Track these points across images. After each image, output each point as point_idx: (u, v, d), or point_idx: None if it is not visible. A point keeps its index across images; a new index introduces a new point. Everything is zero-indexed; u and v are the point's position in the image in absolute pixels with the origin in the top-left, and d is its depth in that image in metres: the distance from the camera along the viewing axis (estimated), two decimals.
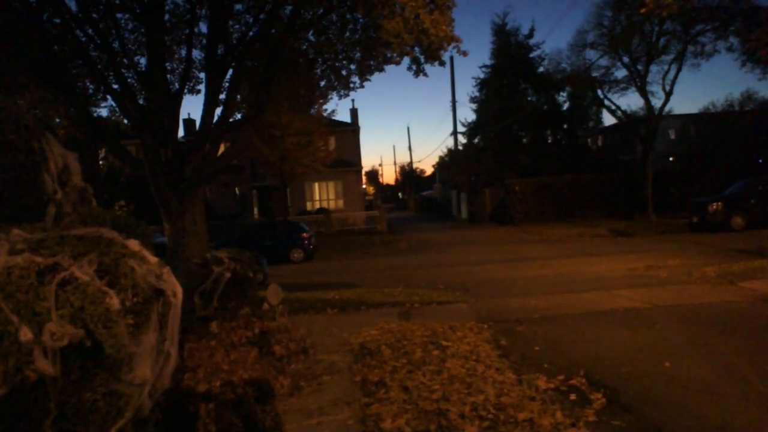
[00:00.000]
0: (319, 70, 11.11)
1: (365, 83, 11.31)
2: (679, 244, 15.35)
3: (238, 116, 12.70)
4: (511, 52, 31.73)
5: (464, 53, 9.60)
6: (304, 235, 18.64)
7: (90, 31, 9.22)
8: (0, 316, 2.26)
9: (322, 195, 33.88)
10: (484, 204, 30.29)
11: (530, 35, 32.13)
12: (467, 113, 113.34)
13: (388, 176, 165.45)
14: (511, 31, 32.35)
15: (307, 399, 4.65)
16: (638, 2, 16.72)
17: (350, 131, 35.10)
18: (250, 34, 9.97)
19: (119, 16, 9.84)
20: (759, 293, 7.90)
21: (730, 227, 17.44)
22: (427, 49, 8.98)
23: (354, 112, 36.01)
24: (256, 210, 34.05)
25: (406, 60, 9.71)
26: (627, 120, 26.62)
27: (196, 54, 10.94)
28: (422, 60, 9.63)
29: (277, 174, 26.24)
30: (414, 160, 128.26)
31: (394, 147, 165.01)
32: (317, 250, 19.33)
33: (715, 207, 17.89)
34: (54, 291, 2.42)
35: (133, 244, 2.97)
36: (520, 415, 3.95)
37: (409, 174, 73.64)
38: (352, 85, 11.42)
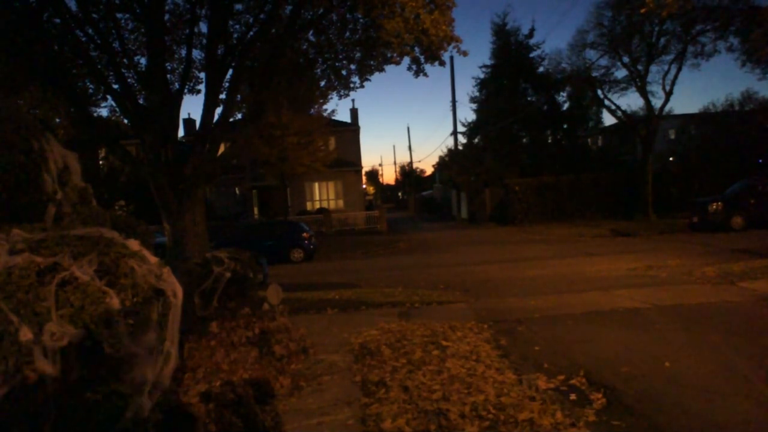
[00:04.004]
0: (319, 70, 11.10)
1: (365, 83, 11.30)
2: (679, 244, 15.35)
3: (238, 116, 12.69)
4: (511, 52, 31.72)
5: (464, 53, 9.62)
6: (304, 235, 18.64)
7: (90, 31, 9.21)
8: (0, 316, 2.26)
9: (322, 195, 33.87)
10: (484, 204, 30.28)
11: (530, 35, 32.14)
12: (467, 113, 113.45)
13: (388, 176, 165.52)
14: (511, 31, 32.35)
15: (307, 399, 4.65)
16: (638, 2, 16.72)
17: (350, 131, 35.09)
18: (250, 34, 9.96)
19: (119, 16, 9.83)
20: (759, 293, 7.90)
21: (730, 227, 17.44)
22: (427, 49, 8.98)
23: (354, 112, 36.01)
24: (256, 210, 34.05)
25: (406, 60, 9.71)
26: (627, 120, 26.62)
27: (196, 54, 10.93)
28: (422, 60, 9.63)
29: (277, 174, 26.24)
30: (414, 160, 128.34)
31: (394, 147, 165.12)
32: (317, 250, 19.32)
33: (715, 207, 17.89)
34: (54, 291, 2.42)
35: (133, 244, 2.97)
36: (520, 415, 3.95)
37: (409, 174, 73.61)
38: (352, 85, 11.41)
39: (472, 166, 31.32)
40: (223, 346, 5.59)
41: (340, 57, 10.79)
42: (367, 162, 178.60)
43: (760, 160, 25.04)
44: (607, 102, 26.47)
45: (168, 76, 10.19)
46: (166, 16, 9.91)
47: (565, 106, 32.14)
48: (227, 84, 9.91)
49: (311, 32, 10.48)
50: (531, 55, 32.04)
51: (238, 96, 10.81)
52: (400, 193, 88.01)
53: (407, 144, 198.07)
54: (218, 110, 9.85)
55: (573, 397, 4.37)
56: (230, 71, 9.89)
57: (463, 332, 6.46)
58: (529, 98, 31.88)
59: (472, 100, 34.36)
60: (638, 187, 24.25)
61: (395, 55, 9.58)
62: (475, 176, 30.99)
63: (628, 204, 25.00)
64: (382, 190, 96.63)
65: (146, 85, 9.58)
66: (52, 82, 8.78)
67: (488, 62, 33.46)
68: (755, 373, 4.66)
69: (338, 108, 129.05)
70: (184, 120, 34.46)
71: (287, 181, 27.44)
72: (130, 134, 16.27)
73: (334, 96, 12.03)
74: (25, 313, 2.31)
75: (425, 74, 10.13)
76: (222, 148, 11.83)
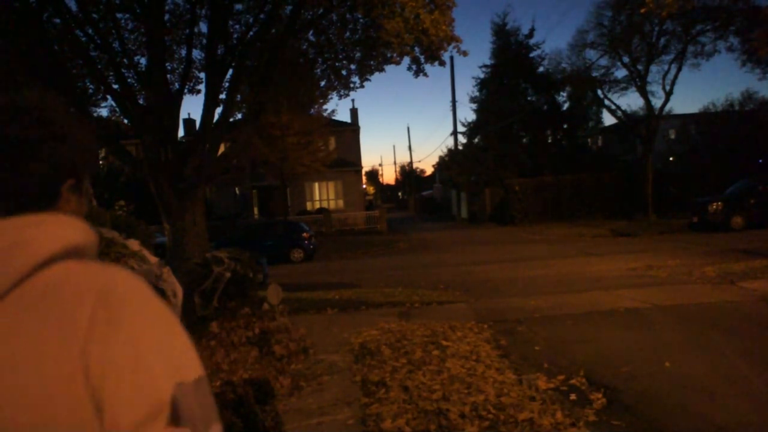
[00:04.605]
0: (319, 70, 11.11)
1: (365, 83, 11.31)
2: (679, 244, 15.35)
3: (238, 116, 12.70)
4: (511, 52, 31.71)
5: (464, 53, 9.63)
6: (304, 235, 18.63)
7: (90, 31, 9.21)
8: None
9: (322, 195, 33.86)
10: (484, 204, 30.28)
11: (530, 35, 32.13)
12: (467, 113, 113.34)
13: (388, 176, 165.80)
14: (511, 31, 32.34)
15: (307, 399, 4.65)
16: (638, 2, 16.72)
17: (350, 131, 35.09)
18: (250, 34, 9.97)
19: (119, 16, 9.83)
20: (759, 293, 7.90)
21: (730, 227, 17.43)
22: (427, 49, 8.98)
23: (354, 112, 36.01)
24: (256, 210, 34.04)
25: (406, 60, 9.72)
26: (627, 120, 26.62)
27: (196, 54, 10.94)
28: (422, 60, 9.64)
29: (277, 174, 26.24)
30: (414, 160, 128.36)
31: (394, 147, 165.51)
32: (317, 250, 19.32)
33: (715, 207, 17.88)
34: None
35: (133, 244, 2.97)
36: (520, 415, 3.95)
37: (409, 174, 73.61)
38: (352, 85, 11.42)
39: (472, 166, 31.31)
40: (223, 346, 5.59)
41: (340, 57, 10.79)
42: (367, 162, 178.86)
43: (760, 160, 25.05)
44: (607, 102, 26.49)
45: (168, 76, 10.19)
46: (166, 16, 9.91)
47: (565, 106, 32.14)
48: (227, 84, 9.91)
49: (311, 32, 10.49)
50: (531, 55, 32.03)
51: (238, 96, 10.82)
52: (400, 193, 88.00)
53: (407, 144, 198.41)
54: (218, 110, 9.85)
55: (573, 397, 4.37)
56: (230, 71, 9.89)
57: (463, 332, 6.46)
58: (529, 98, 31.86)
59: (472, 100, 34.35)
60: (638, 187, 24.24)
61: (395, 55, 9.58)
62: (475, 176, 30.98)
63: (628, 204, 25.00)
64: (382, 190, 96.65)
65: (146, 85, 9.58)
66: (52, 82, 8.77)
67: (488, 62, 33.44)
68: (755, 373, 4.66)
69: (338, 108, 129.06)
70: (184, 120, 34.43)
71: (287, 181, 27.43)
72: (130, 134, 16.28)
73: (334, 96, 12.04)
74: None
75: (425, 74, 10.14)
76: (222, 148, 11.83)
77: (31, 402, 0.62)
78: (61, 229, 0.75)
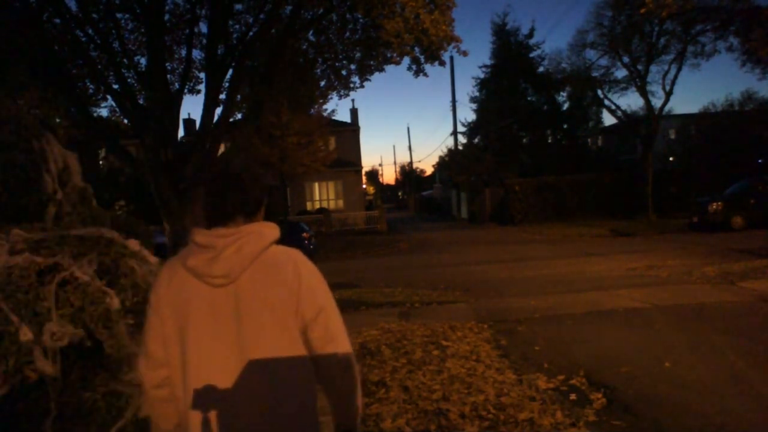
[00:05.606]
0: (319, 70, 11.12)
1: (365, 83, 11.34)
2: (679, 244, 15.35)
3: (238, 116, 12.70)
4: (511, 52, 31.74)
5: (464, 53, 9.65)
6: (304, 234, 18.62)
7: (90, 31, 9.22)
8: (0, 316, 2.26)
9: (322, 195, 33.86)
10: (484, 204, 30.28)
11: (530, 35, 32.17)
12: (467, 113, 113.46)
13: (388, 176, 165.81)
14: (511, 31, 32.38)
15: None
16: (638, 2, 16.73)
17: (350, 131, 35.09)
18: (250, 34, 9.97)
19: (119, 16, 9.84)
20: (759, 293, 7.89)
21: (730, 227, 17.43)
22: (427, 49, 9.00)
23: (354, 112, 36.01)
24: None
25: (406, 60, 9.73)
26: (627, 120, 26.62)
27: (196, 54, 10.95)
28: (422, 60, 9.65)
29: (277, 174, 26.24)
30: (414, 160, 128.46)
31: (394, 147, 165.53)
32: (317, 250, 19.31)
33: (715, 207, 17.88)
34: (54, 291, 2.41)
35: (133, 244, 2.97)
36: (520, 415, 3.95)
37: (409, 174, 73.61)
38: (352, 85, 11.43)
39: (472, 166, 31.32)
40: None
41: (340, 57, 10.81)
42: (367, 162, 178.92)
43: (760, 160, 25.06)
44: (607, 102, 26.49)
45: (168, 76, 10.20)
46: (166, 16, 9.92)
47: (565, 106, 32.17)
48: (227, 84, 9.91)
49: (311, 32, 10.50)
50: (531, 55, 32.08)
51: (238, 96, 10.82)
52: (400, 193, 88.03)
53: (407, 144, 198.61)
54: (218, 110, 9.86)
55: (573, 397, 4.37)
56: (230, 71, 9.89)
57: (463, 332, 6.46)
58: (529, 98, 31.90)
59: (472, 100, 34.41)
60: (638, 187, 24.23)
61: (395, 55, 9.60)
62: (475, 176, 30.99)
63: (628, 204, 24.98)
64: (382, 190, 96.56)
65: (146, 85, 9.58)
66: (52, 82, 8.78)
67: (488, 62, 33.52)
68: (755, 373, 4.66)
69: (338, 108, 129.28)
70: (184, 120, 34.41)
71: (287, 181, 27.43)
72: (130, 134, 16.28)
73: (334, 96, 12.07)
74: (25, 313, 2.32)
75: (425, 74, 10.16)
76: (222, 148, 11.84)
77: (272, 306, 1.46)
78: (274, 228, 1.54)
